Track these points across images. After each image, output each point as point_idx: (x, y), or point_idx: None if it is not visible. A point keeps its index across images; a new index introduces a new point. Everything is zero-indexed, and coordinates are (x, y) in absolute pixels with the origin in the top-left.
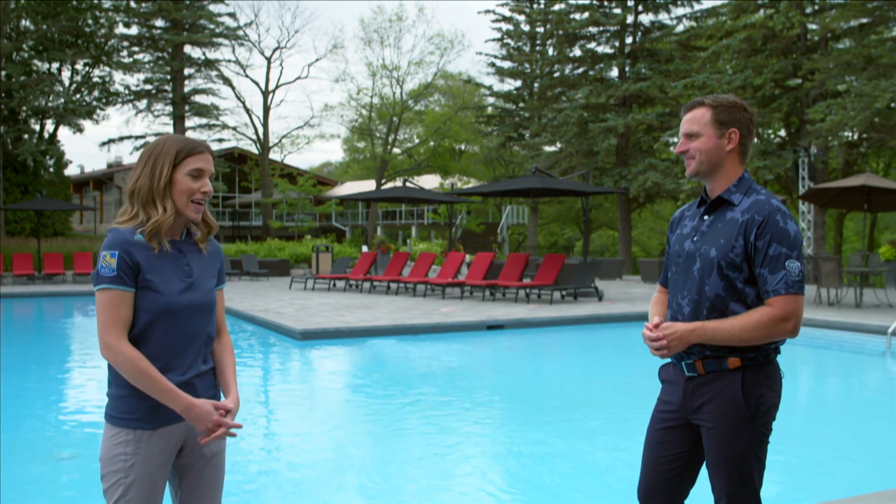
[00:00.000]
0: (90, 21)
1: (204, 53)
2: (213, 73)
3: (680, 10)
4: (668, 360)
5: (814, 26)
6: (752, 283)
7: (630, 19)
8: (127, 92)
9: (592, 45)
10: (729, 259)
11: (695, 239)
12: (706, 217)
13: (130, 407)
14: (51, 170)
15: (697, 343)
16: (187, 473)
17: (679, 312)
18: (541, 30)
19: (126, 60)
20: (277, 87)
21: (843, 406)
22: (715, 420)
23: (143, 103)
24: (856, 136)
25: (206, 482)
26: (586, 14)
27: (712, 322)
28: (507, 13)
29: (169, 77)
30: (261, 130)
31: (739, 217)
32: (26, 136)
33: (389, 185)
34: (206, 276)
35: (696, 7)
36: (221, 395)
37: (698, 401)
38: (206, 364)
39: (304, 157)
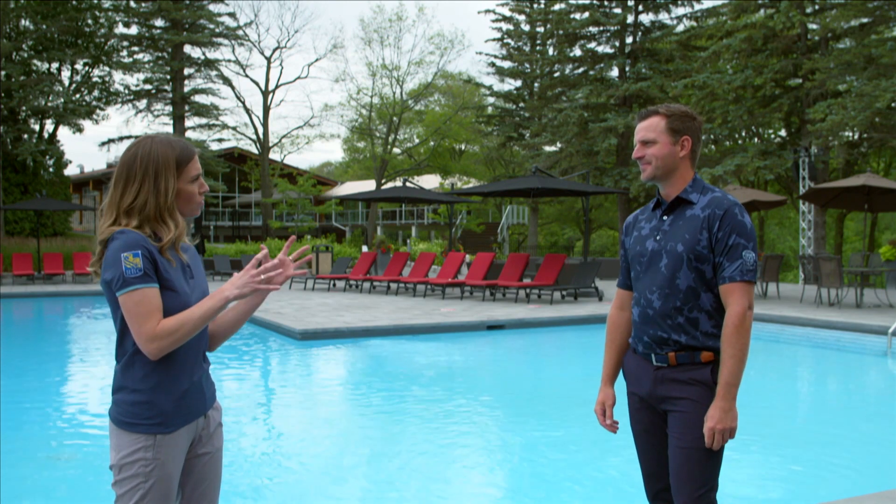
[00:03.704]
0: (90, 21)
1: (204, 53)
2: (213, 72)
3: (680, 10)
4: (632, 348)
5: (814, 26)
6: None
7: (630, 19)
8: (127, 92)
9: (592, 44)
10: (696, 252)
11: (657, 238)
12: (665, 217)
13: (151, 412)
14: (50, 170)
15: (676, 339)
16: (191, 471)
17: (649, 307)
18: (541, 29)
19: (126, 60)
20: (277, 86)
21: (844, 406)
22: (686, 405)
23: (142, 103)
24: (856, 136)
25: (208, 479)
26: (586, 14)
27: (722, 377)
28: (507, 13)
29: (169, 77)
30: (261, 130)
31: (700, 213)
32: (26, 136)
33: (389, 185)
34: (201, 275)
35: (697, 7)
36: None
37: (667, 389)
38: (206, 362)
39: (304, 157)
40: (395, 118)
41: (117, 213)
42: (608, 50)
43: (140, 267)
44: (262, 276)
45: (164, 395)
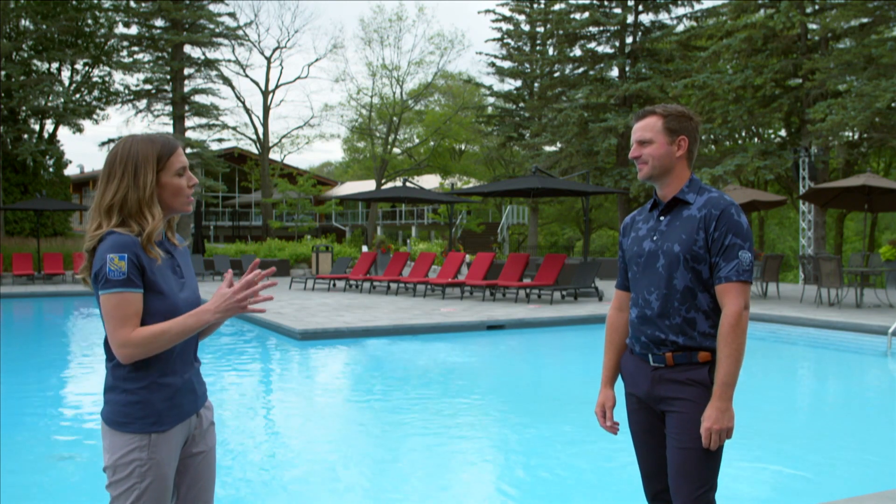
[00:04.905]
0: (90, 21)
1: (204, 53)
2: (213, 73)
3: (680, 10)
4: (629, 349)
5: (814, 26)
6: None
7: (630, 19)
8: (127, 92)
9: (592, 44)
10: (693, 252)
11: (654, 238)
12: (662, 217)
13: (144, 411)
14: (50, 170)
15: (673, 339)
16: (185, 470)
17: (647, 307)
18: (541, 29)
19: (126, 60)
20: (277, 87)
21: (843, 406)
22: (683, 406)
23: (142, 103)
24: (856, 136)
25: (203, 478)
26: (586, 14)
27: (718, 377)
28: (507, 13)
29: (169, 77)
30: (261, 130)
31: (697, 213)
32: (26, 135)
33: (389, 185)
34: (191, 273)
35: (697, 7)
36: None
37: (665, 389)
38: (197, 361)
39: (304, 157)
40: (395, 118)
41: (100, 216)
42: (608, 50)
43: (124, 271)
44: (244, 294)
45: (157, 395)
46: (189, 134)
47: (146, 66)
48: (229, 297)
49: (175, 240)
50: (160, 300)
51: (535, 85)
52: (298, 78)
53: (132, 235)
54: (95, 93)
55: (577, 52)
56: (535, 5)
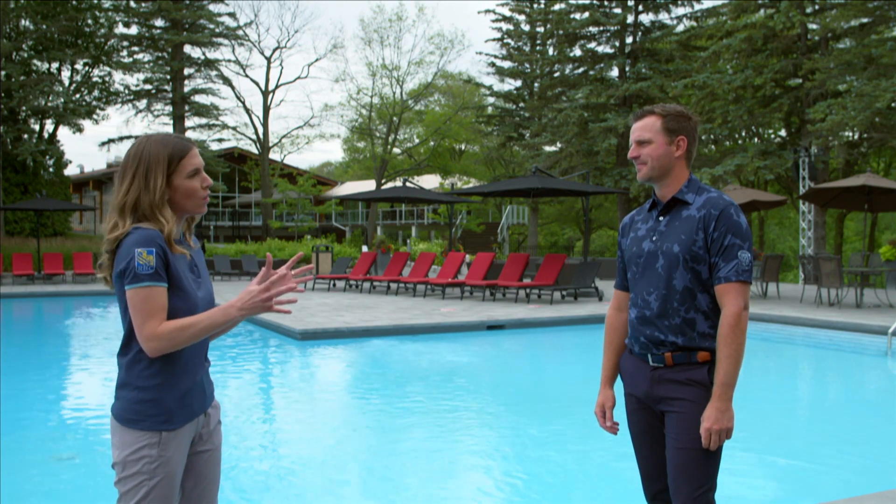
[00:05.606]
0: (90, 21)
1: (204, 53)
2: (213, 72)
3: (680, 10)
4: (629, 349)
5: (814, 26)
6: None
7: (630, 19)
8: (127, 92)
9: (592, 44)
10: (692, 252)
11: (654, 238)
12: (661, 218)
13: (156, 409)
14: (50, 170)
15: (673, 340)
16: (191, 468)
17: (647, 308)
18: (541, 30)
19: (126, 60)
20: (277, 86)
21: (844, 406)
22: (683, 406)
23: (142, 103)
24: (856, 136)
25: (208, 476)
26: (586, 14)
27: (718, 377)
28: (507, 13)
29: (169, 77)
30: (261, 130)
31: (696, 213)
32: (26, 135)
33: (389, 185)
34: (206, 273)
35: (697, 7)
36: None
37: (664, 389)
38: (207, 362)
39: (304, 157)
40: (395, 118)
41: (115, 215)
42: (608, 50)
43: (152, 265)
44: (268, 294)
45: (169, 394)
46: (189, 134)
47: (146, 66)
48: (255, 296)
49: (191, 240)
50: (181, 298)
51: (535, 85)
52: (298, 78)
53: (157, 230)
54: (95, 93)
55: (577, 52)
56: (535, 5)
